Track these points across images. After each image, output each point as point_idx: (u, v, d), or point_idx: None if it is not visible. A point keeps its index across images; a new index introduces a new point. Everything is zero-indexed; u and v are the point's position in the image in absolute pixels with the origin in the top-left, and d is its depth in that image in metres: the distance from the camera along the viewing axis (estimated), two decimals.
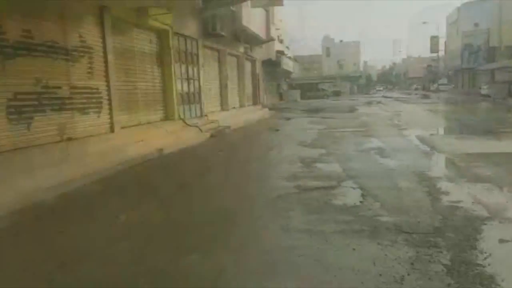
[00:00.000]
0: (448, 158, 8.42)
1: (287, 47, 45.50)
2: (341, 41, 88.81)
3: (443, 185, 6.02)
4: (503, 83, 33.62)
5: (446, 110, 24.49)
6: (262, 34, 20.57)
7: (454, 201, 5.13)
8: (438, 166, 7.77)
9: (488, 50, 49.53)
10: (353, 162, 8.23)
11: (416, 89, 78.39)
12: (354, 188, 6.00)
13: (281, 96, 46.51)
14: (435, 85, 68.81)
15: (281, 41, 41.10)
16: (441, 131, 13.55)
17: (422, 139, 11.15)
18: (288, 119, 21.20)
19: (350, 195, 5.67)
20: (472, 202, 5.08)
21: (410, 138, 12.51)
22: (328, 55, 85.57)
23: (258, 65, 26.72)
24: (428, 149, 9.65)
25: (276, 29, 26.41)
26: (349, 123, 17.11)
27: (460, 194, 5.52)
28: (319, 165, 8.04)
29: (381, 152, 9.34)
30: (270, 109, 27.16)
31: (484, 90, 37.20)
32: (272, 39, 23.60)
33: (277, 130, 15.31)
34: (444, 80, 71.80)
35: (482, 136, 11.45)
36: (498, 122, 15.18)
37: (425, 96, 47.90)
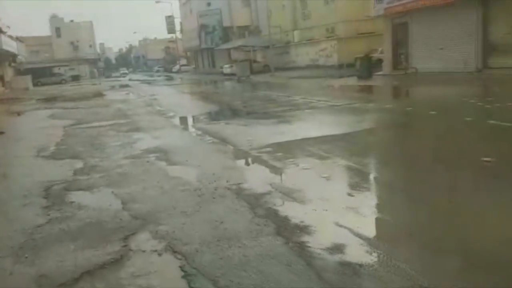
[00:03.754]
0: (253, 155, 6.41)
1: (8, 27, 36.80)
2: (71, 21, 79.60)
3: (294, 212, 3.83)
4: (244, 62, 35.59)
5: (201, 91, 23.57)
6: None
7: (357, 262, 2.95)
8: (253, 173, 5.62)
9: (223, 30, 52.50)
10: (131, 181, 5.28)
11: (157, 71, 78.12)
12: (159, 254, 3.13)
13: (7, 84, 37.63)
14: (177, 67, 69.77)
15: None
16: (216, 117, 11.81)
17: (204, 130, 9.05)
18: (19, 113, 16.02)
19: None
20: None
21: (187, 129, 10.37)
22: (58, 36, 75.71)
23: None
24: (219, 142, 7.58)
25: None
26: (101, 113, 13.67)
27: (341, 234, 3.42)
28: (77, 197, 4.76)
29: (163, 155, 6.68)
30: None
31: (226, 69, 38.80)
32: None
33: (1, 132, 10.65)
34: (184, 61, 73.79)
35: (264, 119, 10.15)
36: (264, 102, 14.59)
37: (170, 78, 47.35)
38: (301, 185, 4.62)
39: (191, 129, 10.09)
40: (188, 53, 73.64)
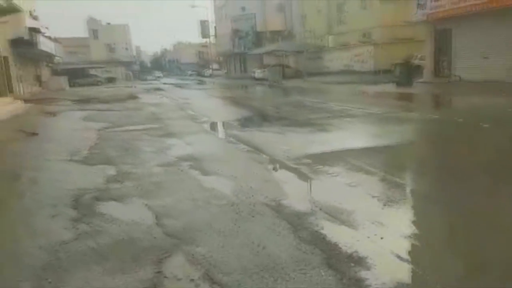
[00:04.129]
0: (291, 167, 6.02)
1: (47, 28, 37.87)
2: (108, 23, 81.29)
3: (344, 238, 3.41)
4: (276, 67, 35.29)
5: (233, 96, 23.39)
6: None
7: None
8: (292, 187, 5.19)
9: (256, 34, 52.40)
10: (164, 192, 4.98)
11: (190, 75, 78.89)
12: (197, 285, 2.76)
13: (43, 84, 38.74)
14: (209, 71, 70.14)
15: (35, 18, 33.68)
16: (248, 123, 11.50)
17: (237, 137, 8.71)
18: (53, 114, 16.20)
19: None
20: None
21: (220, 136, 10.05)
22: (96, 38, 77.54)
23: (3, 44, 20.20)
24: (253, 151, 7.22)
25: None
26: (135, 116, 13.60)
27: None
28: (108, 208, 4.49)
29: (196, 164, 6.38)
30: (26, 101, 21.00)
31: (258, 74, 38.57)
32: (16, 9, 17.57)
33: (35, 133, 10.66)
34: (216, 66, 74.18)
35: (300, 127, 9.75)
36: (298, 108, 14.20)
37: (202, 82, 47.48)
38: (349, 204, 4.19)
39: (224, 136, 9.76)
40: (220, 58, 73.98)
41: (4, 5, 14.98)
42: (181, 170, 6.07)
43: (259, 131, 9.71)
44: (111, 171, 6.20)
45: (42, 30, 31.38)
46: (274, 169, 6.09)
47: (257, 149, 7.36)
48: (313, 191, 4.88)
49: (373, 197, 4.44)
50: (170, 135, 9.43)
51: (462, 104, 13.82)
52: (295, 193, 4.80)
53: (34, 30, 27.80)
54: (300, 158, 6.44)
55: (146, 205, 4.53)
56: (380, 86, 20.65)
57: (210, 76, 64.85)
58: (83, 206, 4.58)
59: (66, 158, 7.29)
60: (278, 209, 4.19)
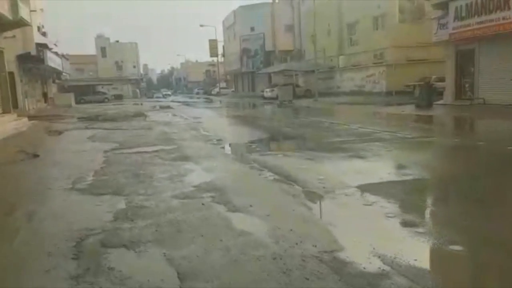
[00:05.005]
0: (336, 204, 5.07)
1: (55, 45, 37.49)
2: (117, 41, 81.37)
3: None
4: (287, 86, 34.58)
5: (245, 115, 22.61)
6: (2, 9, 13.76)
7: None
8: (344, 233, 4.22)
9: (265, 54, 51.98)
10: (187, 237, 4.03)
11: (197, 93, 78.67)
12: None
13: (50, 100, 38.17)
14: (216, 89, 69.73)
15: (44, 34, 33.29)
16: (268, 146, 10.62)
17: (261, 163, 7.76)
18: (59, 132, 15.38)
19: None
20: None
21: (240, 160, 9.02)
22: (104, 55, 77.52)
23: (10, 59, 19.54)
24: (283, 180, 6.28)
25: (32, 10, 19.46)
26: (145, 136, 12.71)
27: None
28: (118, 259, 3.54)
29: (220, 196, 5.44)
30: (31, 118, 20.20)
31: (267, 93, 37.82)
32: (24, 23, 16.81)
33: (36, 155, 9.78)
34: (223, 84, 73.85)
35: (328, 152, 8.81)
36: (318, 129, 13.30)
37: (210, 101, 46.85)
38: (428, 262, 3.25)
39: (245, 160, 8.78)
40: (228, 76, 73.70)
41: (10, 18, 14.28)
42: (203, 205, 5.13)
43: (283, 155, 8.77)
44: (120, 203, 5.28)
45: (51, 46, 30.87)
46: (312, 204, 5.13)
47: (286, 178, 6.42)
48: (373, 240, 3.89)
49: (456, 251, 3.46)
50: (184, 158, 8.52)
51: (500, 129, 12.35)
52: (350, 241, 3.84)
53: (42, 46, 27.25)
54: (341, 190, 5.51)
55: (165, 255, 3.59)
56: (397, 108, 19.75)
57: (217, 94, 64.32)
58: (86, 255, 3.63)
59: (69, 186, 6.36)
60: (337, 267, 3.23)
